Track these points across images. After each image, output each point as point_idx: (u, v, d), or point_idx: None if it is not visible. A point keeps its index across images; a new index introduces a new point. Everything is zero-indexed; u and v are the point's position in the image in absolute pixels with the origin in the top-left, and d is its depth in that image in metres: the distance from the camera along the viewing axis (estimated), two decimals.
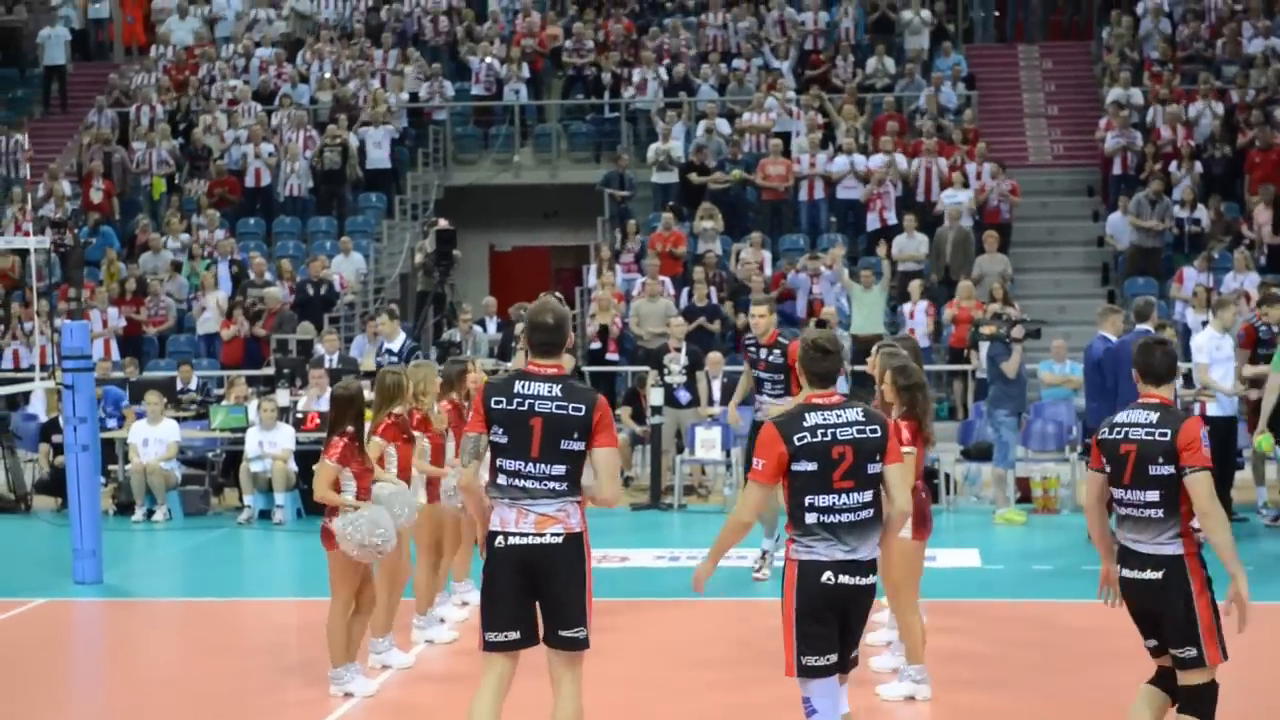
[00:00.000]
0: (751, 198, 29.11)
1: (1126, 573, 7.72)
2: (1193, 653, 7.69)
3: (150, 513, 19.81)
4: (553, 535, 7.56)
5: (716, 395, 21.18)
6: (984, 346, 19.64)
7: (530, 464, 7.57)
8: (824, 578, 7.32)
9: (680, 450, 20.35)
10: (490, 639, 7.67)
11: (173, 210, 29.77)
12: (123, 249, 29.34)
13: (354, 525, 10.36)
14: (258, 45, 33.85)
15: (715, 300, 25.10)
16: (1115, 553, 7.81)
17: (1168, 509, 7.64)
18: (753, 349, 14.95)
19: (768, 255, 26.97)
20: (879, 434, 7.44)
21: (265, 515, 19.56)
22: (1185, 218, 26.95)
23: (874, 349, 11.24)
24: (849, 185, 28.30)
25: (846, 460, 7.33)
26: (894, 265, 25.38)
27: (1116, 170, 28.55)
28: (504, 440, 7.62)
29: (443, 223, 27.47)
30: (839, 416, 7.42)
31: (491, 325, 25.54)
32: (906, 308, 24.99)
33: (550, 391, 7.61)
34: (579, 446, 7.60)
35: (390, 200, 31.20)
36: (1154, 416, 7.79)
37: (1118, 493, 7.75)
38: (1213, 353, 17.41)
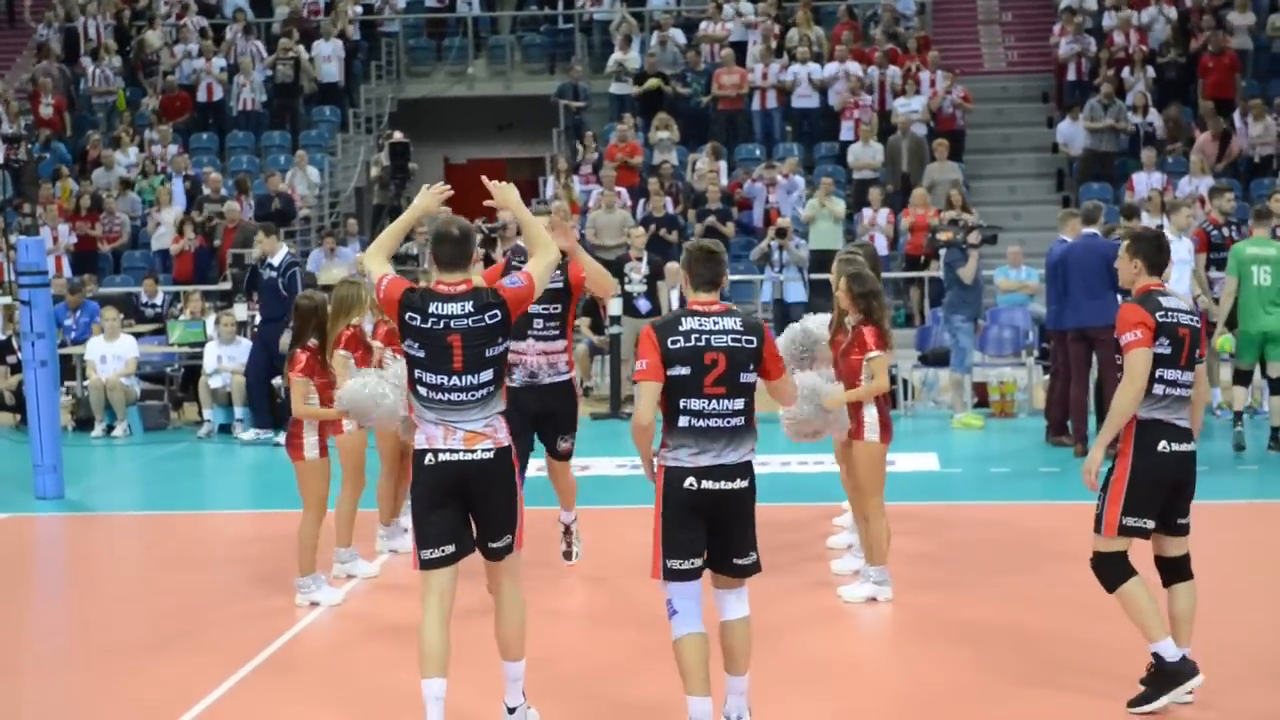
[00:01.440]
0: (708, 107, 29.05)
1: (1176, 447, 8.01)
2: (1188, 519, 8.19)
3: (110, 428, 19.79)
4: (483, 451, 7.60)
5: (675, 304, 21.19)
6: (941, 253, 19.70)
7: (453, 377, 7.59)
8: (687, 483, 7.43)
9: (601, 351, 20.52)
10: (426, 556, 7.64)
11: (125, 126, 29.55)
12: (74, 165, 29.12)
13: (353, 392, 10.34)
14: None
15: (672, 210, 25.08)
16: (1143, 433, 7.98)
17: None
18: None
19: (723, 165, 26.96)
20: (755, 344, 7.52)
21: (225, 429, 19.57)
22: (1139, 123, 27.02)
23: (835, 259, 11.27)
24: (804, 94, 28.31)
25: (719, 367, 7.43)
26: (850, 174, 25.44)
27: (1071, 76, 28.62)
28: (422, 355, 7.64)
29: (397, 136, 27.36)
30: (716, 324, 7.50)
31: None
32: (866, 213, 25.02)
33: (464, 309, 7.61)
34: (503, 348, 7.70)
35: (344, 114, 31.02)
36: (1184, 304, 8.11)
37: (1171, 374, 7.96)
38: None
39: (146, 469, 17.61)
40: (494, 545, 7.70)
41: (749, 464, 7.55)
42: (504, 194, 8.13)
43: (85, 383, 20.29)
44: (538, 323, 9.80)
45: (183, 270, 25.57)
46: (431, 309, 7.61)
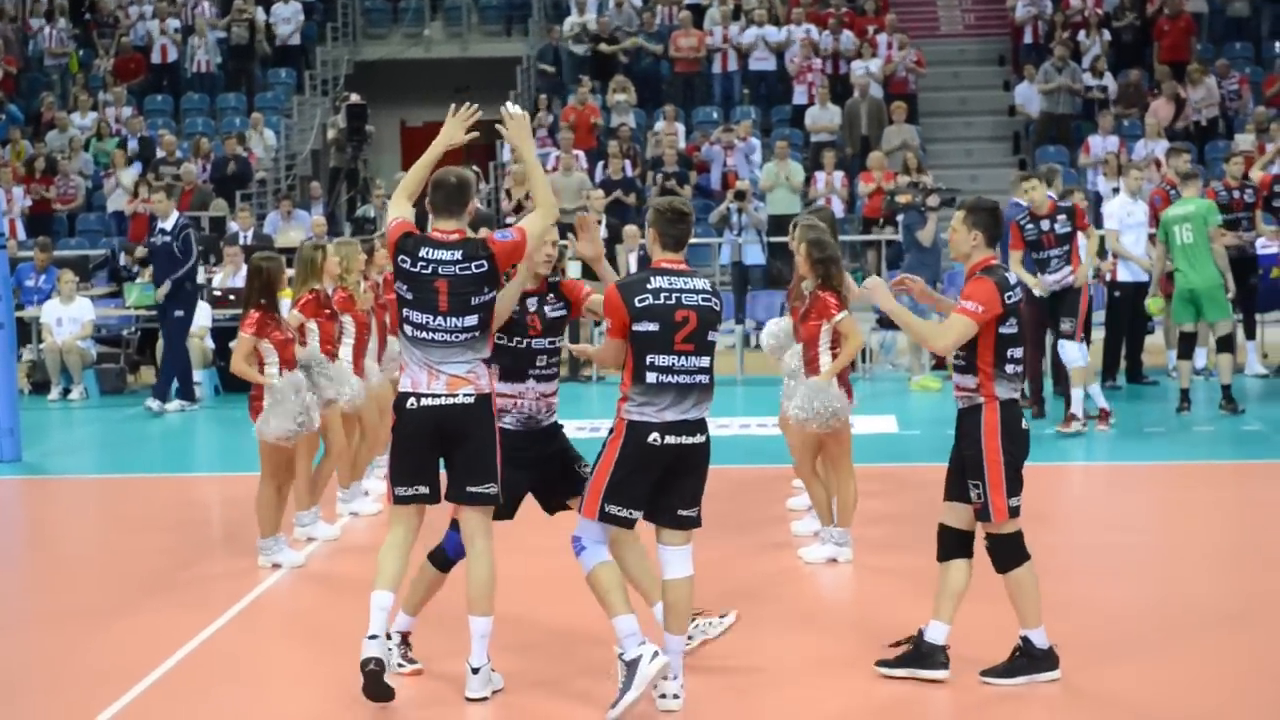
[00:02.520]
0: (664, 71, 29.02)
1: (1028, 423, 8.14)
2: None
3: (66, 391, 19.73)
4: (465, 396, 7.70)
5: (633, 268, 21.20)
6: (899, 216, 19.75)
7: (439, 317, 7.72)
8: (650, 438, 7.51)
9: (598, 324, 20.38)
10: (400, 493, 7.84)
11: (79, 87, 29.36)
12: (27, 126, 28.92)
13: (277, 411, 10.42)
14: None
15: (630, 173, 25.07)
16: (1007, 413, 7.94)
17: None
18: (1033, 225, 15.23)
19: (681, 128, 26.95)
20: (718, 307, 7.68)
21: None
22: (1094, 85, 27.13)
23: (792, 223, 11.30)
24: (761, 57, 28.34)
25: (690, 324, 7.53)
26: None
27: (1027, 39, 28.73)
28: (410, 296, 7.79)
29: (354, 98, 27.27)
30: (686, 283, 7.61)
31: None
32: (820, 176, 25.06)
33: (453, 256, 7.74)
34: (490, 296, 7.77)
35: (300, 75, 30.88)
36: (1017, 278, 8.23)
37: (1018, 351, 8.02)
38: (1124, 219, 17.58)
39: (104, 432, 17.56)
40: (472, 489, 7.76)
41: (705, 420, 7.66)
42: (516, 129, 8.08)
43: (41, 345, 20.20)
44: (540, 360, 8.26)
45: (138, 232, 25.40)
46: (422, 253, 7.76)
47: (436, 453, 7.82)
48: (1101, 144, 25.11)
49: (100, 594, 10.39)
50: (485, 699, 7.85)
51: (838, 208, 24.11)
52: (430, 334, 7.73)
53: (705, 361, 7.59)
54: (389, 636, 7.99)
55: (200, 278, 20.33)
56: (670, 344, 7.50)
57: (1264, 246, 18.68)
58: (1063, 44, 27.27)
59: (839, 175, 25.07)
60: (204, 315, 19.54)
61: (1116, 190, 19.30)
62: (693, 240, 24.00)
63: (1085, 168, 25.21)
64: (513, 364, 8.14)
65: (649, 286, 7.55)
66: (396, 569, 7.82)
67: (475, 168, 17.48)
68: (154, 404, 18.38)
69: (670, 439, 7.51)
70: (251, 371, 10.61)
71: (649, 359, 7.50)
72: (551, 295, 8.28)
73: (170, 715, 7.94)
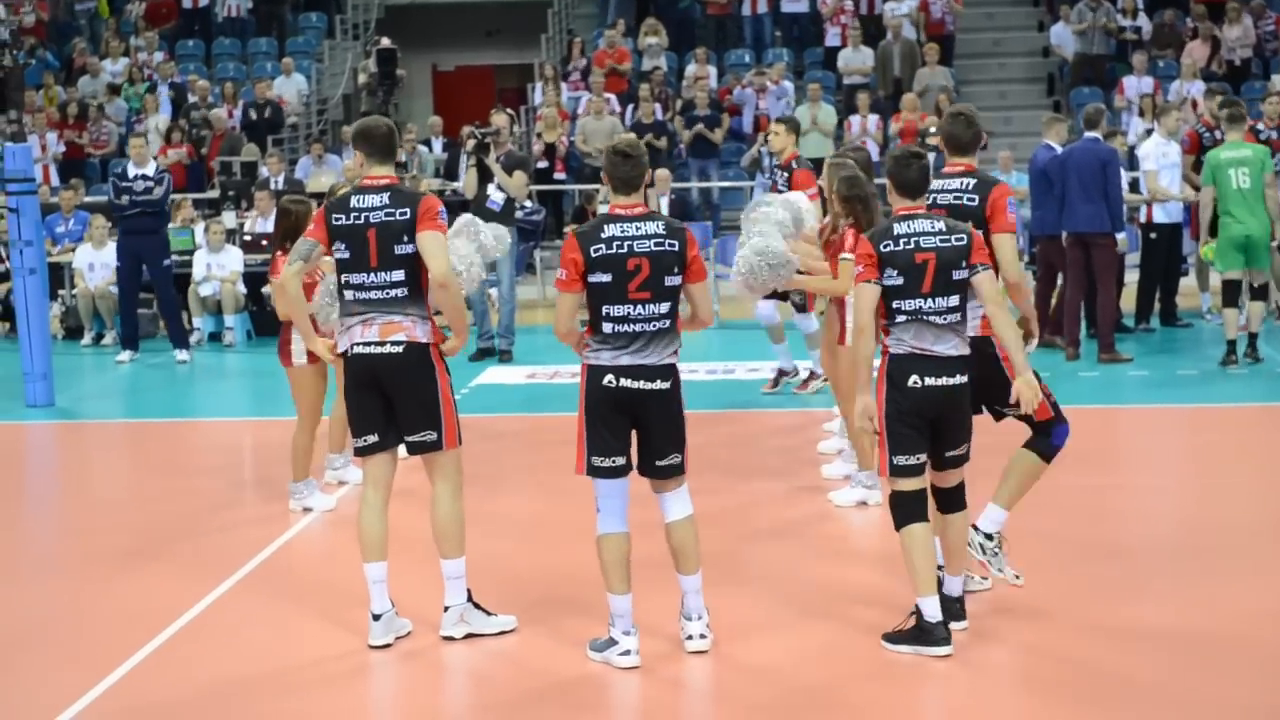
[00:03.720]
0: (697, 13, 28.88)
1: (931, 380, 7.63)
2: (959, 451, 7.85)
3: (99, 336, 19.78)
4: (393, 344, 7.75)
5: (665, 212, 21.12)
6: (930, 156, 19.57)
7: (370, 274, 7.75)
8: (606, 380, 7.46)
9: None
10: (356, 445, 7.95)
11: (111, 33, 29.34)
12: (60, 72, 28.93)
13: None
14: None
15: (661, 117, 24.98)
16: (893, 367, 7.66)
17: None
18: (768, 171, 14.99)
19: (713, 71, 26.84)
20: (677, 248, 7.47)
21: (215, 337, 19.58)
22: (1128, 25, 26.90)
23: (825, 162, 11.25)
24: None
25: (643, 272, 7.40)
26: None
27: None
28: (346, 255, 7.80)
29: (385, 42, 27.19)
30: (638, 229, 7.46)
31: (437, 145, 25.39)
32: (855, 120, 24.93)
33: (380, 201, 7.76)
34: (409, 249, 7.75)
35: (331, 20, 30.82)
36: (930, 225, 7.62)
37: (911, 303, 7.60)
38: (1159, 159, 17.45)
39: (136, 377, 17.59)
40: (410, 439, 7.85)
41: (671, 366, 7.55)
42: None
43: (74, 291, 20.24)
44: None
45: (178, 178, 25.44)
46: (353, 203, 7.80)
47: (379, 400, 7.83)
48: (1136, 85, 24.91)
49: (131, 538, 10.41)
50: (455, 639, 7.92)
51: (872, 150, 23.96)
52: (366, 292, 7.76)
53: (663, 308, 7.45)
54: None
55: (232, 222, 20.34)
56: (624, 293, 7.40)
57: None
58: None
59: (874, 118, 24.93)
60: (235, 260, 19.54)
61: (1149, 131, 19.13)
62: (724, 184, 24.05)
63: (1120, 109, 25.01)
64: None
65: (603, 235, 7.43)
66: (379, 535, 7.90)
67: (509, 110, 17.40)
68: (181, 354, 18.29)
69: (625, 382, 7.44)
70: (295, 309, 10.52)
71: (604, 309, 7.43)
72: None
73: (199, 658, 7.96)
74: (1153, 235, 17.80)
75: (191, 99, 26.85)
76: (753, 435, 13.16)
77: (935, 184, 8.01)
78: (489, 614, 8.07)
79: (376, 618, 7.93)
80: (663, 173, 21.59)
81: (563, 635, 8.03)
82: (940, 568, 7.84)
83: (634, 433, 7.58)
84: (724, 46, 28.29)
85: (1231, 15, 26.40)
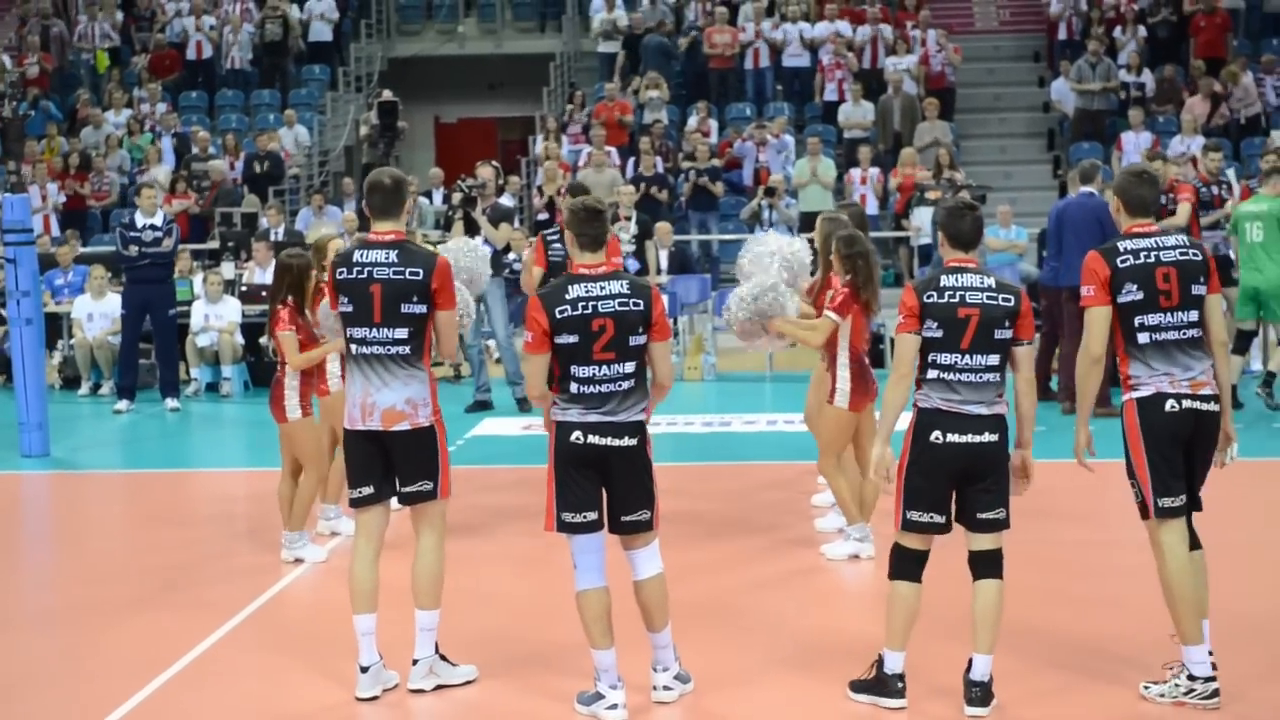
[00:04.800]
0: (699, 66, 28.99)
1: (955, 437, 7.44)
2: (996, 514, 7.61)
3: (96, 386, 19.79)
4: (399, 428, 7.77)
5: (664, 265, 21.19)
6: (923, 213, 19.64)
7: (373, 329, 7.72)
8: (573, 437, 7.42)
9: None
10: (351, 496, 7.97)
11: (115, 84, 29.45)
12: (63, 123, 29.03)
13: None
14: None
15: (662, 169, 25.03)
16: (920, 420, 7.53)
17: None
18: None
19: (714, 124, 26.92)
20: (642, 307, 7.42)
21: (212, 388, 19.56)
22: (1130, 82, 26.99)
23: (819, 218, 11.26)
24: (795, 53, 28.31)
25: (607, 333, 7.36)
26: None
27: (1062, 35, 28.61)
28: (350, 309, 7.78)
29: (386, 94, 27.28)
30: (602, 288, 7.41)
31: (438, 197, 25.45)
32: (855, 173, 24.98)
33: (387, 258, 7.72)
34: (420, 310, 7.72)
35: (333, 72, 30.95)
36: (980, 281, 7.46)
37: (947, 358, 7.43)
38: None
39: (133, 427, 17.58)
40: (405, 490, 7.89)
41: (639, 424, 7.50)
42: None
43: (72, 341, 20.25)
44: None
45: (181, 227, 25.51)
46: (356, 258, 7.77)
47: (380, 457, 7.86)
48: (1135, 141, 24.98)
49: (123, 588, 10.39)
50: (424, 691, 7.91)
51: (871, 204, 24.03)
52: (368, 348, 7.74)
53: (629, 367, 7.41)
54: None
55: (230, 273, 20.36)
56: (589, 354, 7.36)
57: None
58: (1098, 40, 27.14)
59: (874, 172, 24.99)
60: (233, 311, 19.56)
61: None
62: (724, 236, 24.08)
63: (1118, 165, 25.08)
64: None
65: (567, 296, 7.38)
66: (369, 586, 7.92)
67: (495, 163, 17.40)
68: (171, 403, 18.29)
69: (593, 439, 7.40)
70: (312, 353, 10.53)
71: (571, 369, 7.40)
72: None
73: (189, 710, 7.94)
74: None
75: (194, 150, 26.92)
76: (746, 488, 13.14)
77: (1145, 243, 7.55)
78: (453, 665, 8.08)
79: (364, 670, 7.92)
80: (664, 226, 21.64)
81: (548, 687, 8.01)
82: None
83: (603, 489, 7.55)
84: (725, 100, 28.38)
85: (1231, 75, 26.48)
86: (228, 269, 20.72)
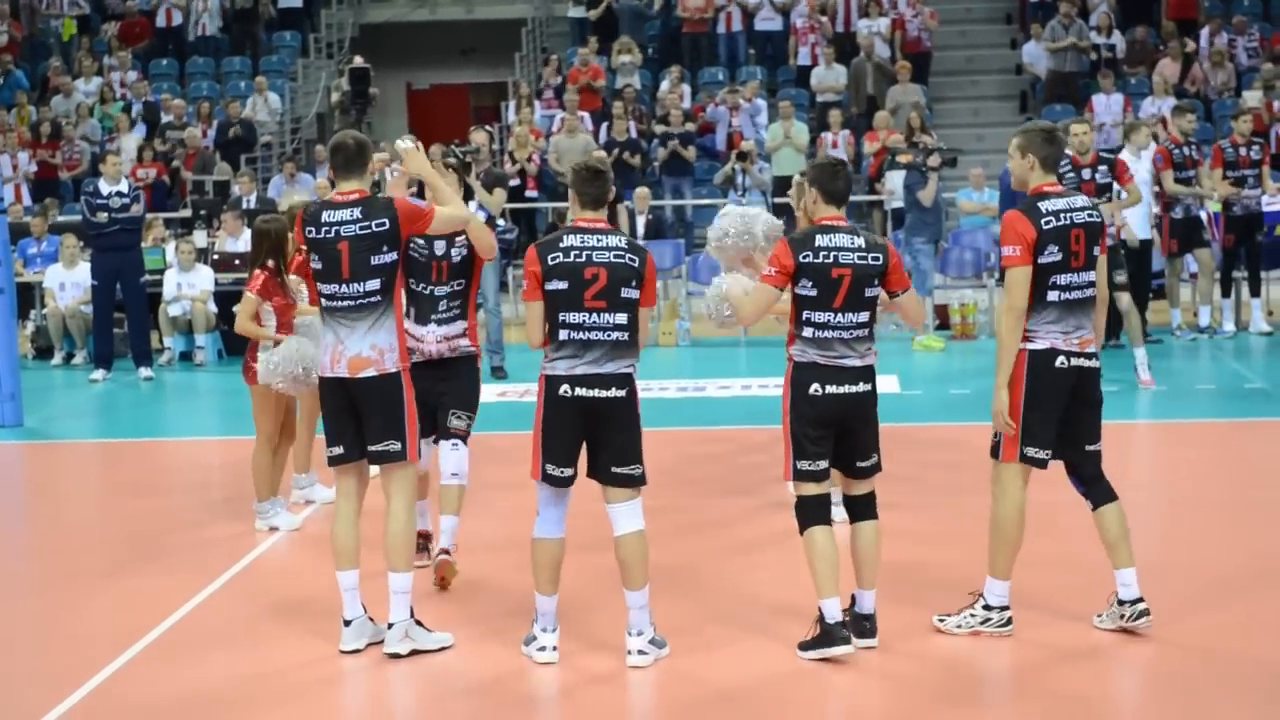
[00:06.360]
0: (671, 29, 28.94)
1: (833, 389, 7.74)
2: (870, 461, 8.01)
3: (69, 356, 19.74)
4: (364, 375, 7.85)
5: (640, 230, 21.19)
6: (895, 177, 19.65)
7: (342, 285, 7.84)
8: (562, 390, 7.59)
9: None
10: (328, 454, 8.06)
11: (84, 52, 29.31)
12: (33, 92, 28.89)
13: (280, 357, 10.28)
14: None
15: (635, 134, 25.00)
16: (798, 375, 7.82)
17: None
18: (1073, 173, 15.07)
19: (687, 89, 26.88)
20: (637, 264, 7.64)
21: (186, 357, 19.54)
22: (1101, 43, 27.00)
23: (794, 178, 11.23)
24: (767, 17, 28.27)
25: (600, 281, 7.55)
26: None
27: None
28: (319, 267, 7.91)
29: (358, 61, 27.20)
30: (599, 240, 7.63)
31: None
32: (827, 137, 24.97)
33: (352, 215, 7.86)
34: (390, 258, 7.86)
35: (305, 39, 30.82)
36: (852, 240, 7.72)
37: (820, 315, 7.73)
38: (1135, 175, 17.50)
39: (106, 397, 17.54)
40: (373, 448, 7.93)
41: (628, 375, 7.66)
42: (415, 163, 8.30)
43: (44, 310, 20.19)
44: (442, 305, 9.11)
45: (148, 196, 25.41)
46: (324, 217, 7.90)
47: (351, 416, 7.95)
48: (1106, 103, 25.01)
49: (98, 558, 10.40)
50: (400, 655, 7.90)
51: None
52: (338, 302, 7.86)
53: (621, 318, 7.59)
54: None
55: (203, 241, 20.30)
56: (580, 301, 7.55)
57: (1269, 203, 18.63)
58: (1069, 1, 27.13)
59: (845, 135, 24.99)
60: (206, 279, 19.52)
61: (1119, 149, 19.18)
62: (697, 201, 24.08)
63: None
64: (417, 309, 8.91)
65: (561, 245, 7.62)
66: (350, 544, 8.01)
67: (488, 128, 17.40)
68: (144, 371, 18.27)
69: (580, 391, 7.56)
70: (258, 330, 10.57)
71: (561, 316, 7.57)
72: (459, 238, 8.86)
73: (165, 678, 7.93)
74: (1122, 252, 17.83)
75: (166, 118, 26.81)
76: (723, 453, 13.16)
77: (1061, 204, 7.81)
78: (429, 630, 8.09)
79: (348, 623, 8.00)
80: (642, 191, 21.64)
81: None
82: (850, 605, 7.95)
83: (588, 443, 7.68)
84: (697, 64, 28.33)
85: (1215, 59, 26.49)
86: (200, 237, 20.67)
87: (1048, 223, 7.72)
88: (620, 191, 21.10)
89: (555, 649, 7.78)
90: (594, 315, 7.55)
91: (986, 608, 8.02)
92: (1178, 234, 18.23)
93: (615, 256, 7.59)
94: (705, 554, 9.90)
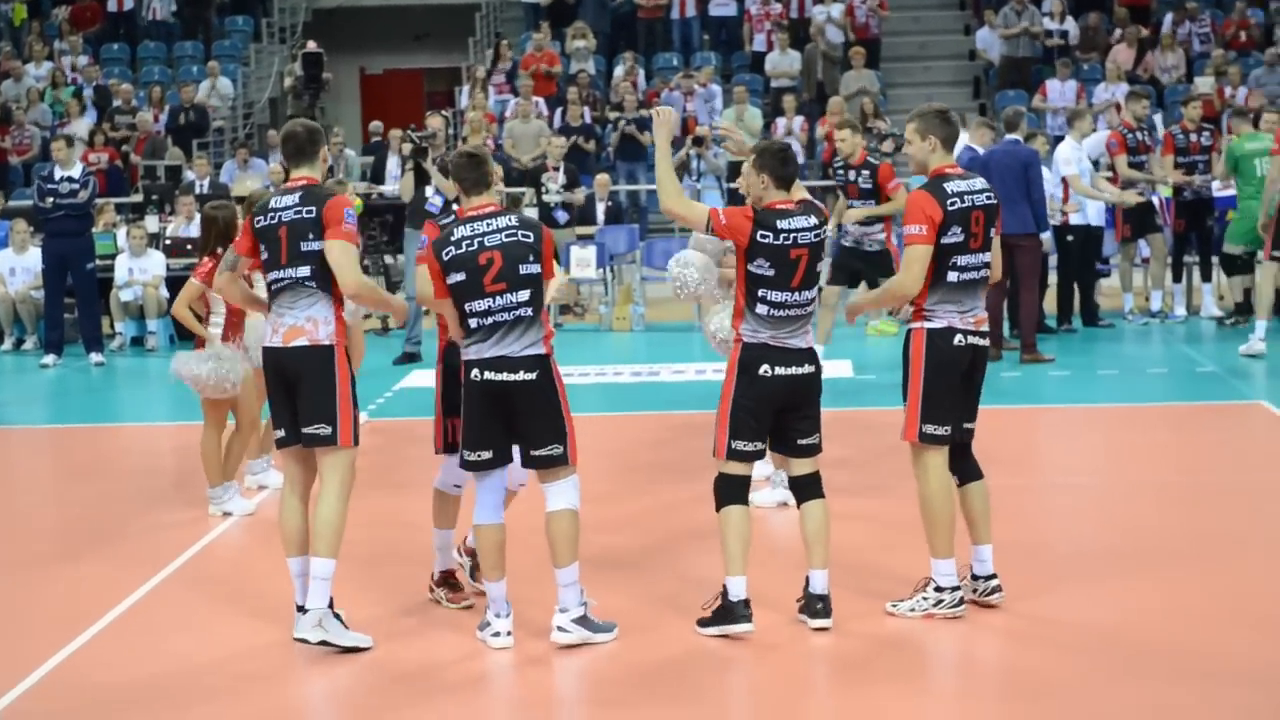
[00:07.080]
0: (626, 15, 28.92)
1: (780, 370, 7.87)
2: (813, 440, 8.15)
3: (20, 342, 19.63)
4: (296, 344, 7.84)
5: (600, 217, 21.18)
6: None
7: (281, 270, 7.85)
8: (474, 374, 7.66)
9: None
10: (276, 437, 8.06)
11: (35, 36, 29.13)
12: None
13: (207, 370, 10.37)
14: None
15: (589, 120, 24.97)
16: (746, 355, 7.89)
17: None
18: (841, 173, 14.94)
19: (641, 74, 26.87)
20: (531, 239, 7.72)
21: (137, 342, 19.45)
22: (1054, 29, 27.10)
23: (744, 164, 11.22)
24: (721, 3, 28.30)
25: (495, 265, 7.61)
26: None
27: None
28: (266, 255, 7.92)
29: (311, 46, 27.09)
30: (488, 225, 7.70)
31: (395, 161, 25.30)
32: (781, 122, 25.00)
33: (292, 201, 7.89)
34: (315, 246, 7.82)
35: (257, 23, 30.68)
36: (806, 221, 7.80)
37: (777, 295, 7.82)
38: (1079, 163, 17.63)
39: (57, 382, 17.46)
40: (305, 430, 7.88)
41: (540, 357, 7.69)
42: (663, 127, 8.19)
43: None
44: None
45: (101, 182, 25.24)
46: (271, 204, 7.94)
47: (289, 398, 7.92)
48: (1059, 89, 25.11)
49: (49, 544, 10.37)
50: (309, 643, 7.78)
51: (797, 153, 24.04)
52: (279, 284, 7.87)
53: (523, 295, 7.65)
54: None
55: (154, 226, 20.20)
56: (480, 288, 7.61)
57: (1220, 190, 18.72)
58: None
59: (799, 120, 25.02)
60: (158, 264, 19.44)
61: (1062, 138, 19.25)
62: (654, 187, 24.03)
63: (1043, 111, 25.21)
64: None
65: (453, 238, 7.69)
66: (297, 530, 7.94)
67: (445, 113, 17.36)
68: (95, 357, 18.20)
69: (489, 374, 7.62)
70: (191, 319, 10.58)
71: (466, 306, 7.63)
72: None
73: (118, 663, 7.91)
74: (1070, 238, 17.99)
75: (116, 103, 26.67)
76: (675, 437, 13.17)
77: (963, 186, 7.95)
78: (345, 627, 7.91)
79: (301, 610, 7.93)
80: (602, 178, 21.66)
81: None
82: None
83: (507, 427, 7.73)
84: (652, 50, 28.33)
85: (1165, 42, 26.63)
86: (151, 222, 20.57)
87: (953, 204, 7.85)
88: (576, 177, 21.10)
89: (510, 634, 7.79)
90: (495, 299, 7.61)
91: (938, 589, 8.06)
92: (1131, 219, 18.32)
93: (507, 236, 7.66)
94: (656, 538, 9.91)
